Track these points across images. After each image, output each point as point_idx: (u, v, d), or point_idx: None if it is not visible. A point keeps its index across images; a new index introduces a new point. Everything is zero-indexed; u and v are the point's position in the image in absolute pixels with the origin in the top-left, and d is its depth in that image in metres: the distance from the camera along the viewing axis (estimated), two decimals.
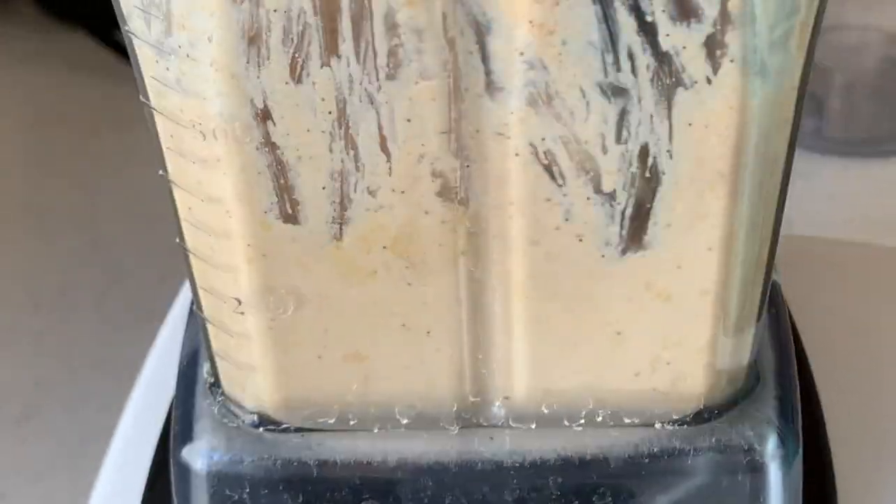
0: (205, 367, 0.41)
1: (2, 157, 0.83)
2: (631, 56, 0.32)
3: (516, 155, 0.34)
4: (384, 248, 0.35)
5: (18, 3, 0.92)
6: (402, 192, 0.34)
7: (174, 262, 0.56)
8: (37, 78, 0.87)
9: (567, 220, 0.35)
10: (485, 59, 0.32)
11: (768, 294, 0.38)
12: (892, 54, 0.69)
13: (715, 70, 0.32)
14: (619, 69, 0.32)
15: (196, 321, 0.42)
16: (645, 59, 0.32)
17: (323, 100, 0.33)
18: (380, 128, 0.33)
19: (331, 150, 0.34)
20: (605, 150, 0.33)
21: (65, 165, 0.81)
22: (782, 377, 0.40)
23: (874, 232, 0.62)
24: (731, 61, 0.32)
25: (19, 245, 0.77)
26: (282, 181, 0.34)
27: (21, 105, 0.86)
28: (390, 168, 0.34)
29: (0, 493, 0.64)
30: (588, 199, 0.34)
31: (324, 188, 0.34)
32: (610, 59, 0.32)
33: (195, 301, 0.39)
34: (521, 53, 0.32)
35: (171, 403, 0.47)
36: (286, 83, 0.32)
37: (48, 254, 0.76)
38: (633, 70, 0.32)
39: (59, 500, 0.64)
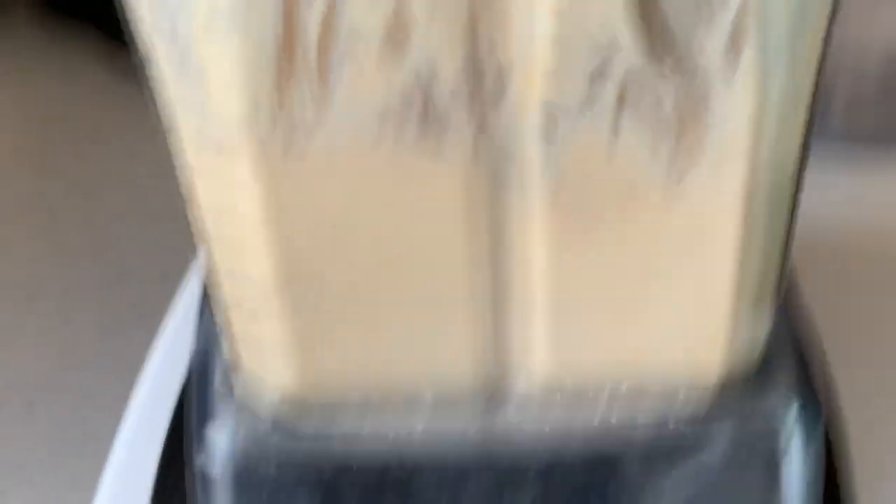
0: (223, 351, 0.41)
1: (2, 157, 0.82)
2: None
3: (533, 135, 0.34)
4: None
5: (19, 2, 0.91)
6: None
7: (177, 260, 0.56)
8: (38, 77, 0.87)
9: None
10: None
11: (789, 262, 0.39)
12: (894, 54, 0.69)
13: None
14: None
15: (208, 315, 0.42)
16: None
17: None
18: None
19: None
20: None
21: (66, 165, 0.81)
22: (800, 346, 0.41)
23: (876, 231, 0.63)
24: (748, 58, 0.32)
25: (20, 244, 0.77)
26: None
27: (22, 105, 0.86)
28: None
29: (0, 493, 0.63)
30: None
31: None
32: None
33: (212, 287, 0.39)
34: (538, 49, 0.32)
35: (177, 403, 0.47)
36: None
37: (49, 253, 0.76)
38: None
39: (60, 499, 0.64)
